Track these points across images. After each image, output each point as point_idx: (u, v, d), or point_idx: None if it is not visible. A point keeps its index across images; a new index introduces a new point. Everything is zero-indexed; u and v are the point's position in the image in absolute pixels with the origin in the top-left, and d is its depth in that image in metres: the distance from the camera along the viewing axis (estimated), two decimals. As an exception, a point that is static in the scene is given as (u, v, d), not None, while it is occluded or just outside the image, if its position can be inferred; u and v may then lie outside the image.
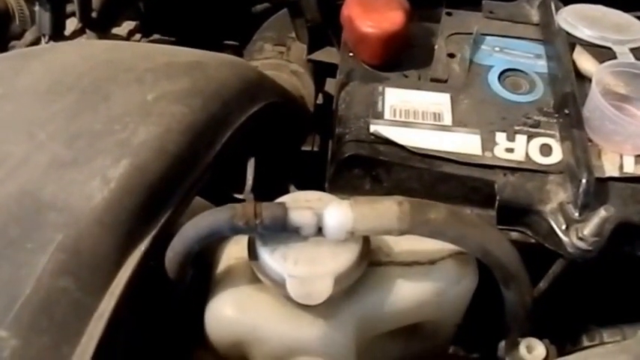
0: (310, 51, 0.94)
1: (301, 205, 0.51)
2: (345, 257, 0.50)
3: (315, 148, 0.95)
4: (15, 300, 0.43)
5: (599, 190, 0.60)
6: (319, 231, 0.50)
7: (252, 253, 0.51)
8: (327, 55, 0.94)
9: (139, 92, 0.54)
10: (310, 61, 0.95)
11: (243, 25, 1.16)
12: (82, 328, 0.44)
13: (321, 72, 0.98)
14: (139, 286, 0.48)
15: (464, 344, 0.70)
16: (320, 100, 0.99)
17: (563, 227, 0.59)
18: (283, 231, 0.49)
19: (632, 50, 0.70)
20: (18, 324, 0.42)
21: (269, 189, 0.97)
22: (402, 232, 0.50)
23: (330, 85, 1.02)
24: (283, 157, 0.84)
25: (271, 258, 0.50)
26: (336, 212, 0.49)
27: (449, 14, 0.79)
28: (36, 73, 0.56)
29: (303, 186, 0.97)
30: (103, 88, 0.54)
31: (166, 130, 0.52)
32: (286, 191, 0.99)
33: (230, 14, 1.17)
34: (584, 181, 0.59)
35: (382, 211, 0.49)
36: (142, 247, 0.48)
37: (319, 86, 0.99)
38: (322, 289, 0.49)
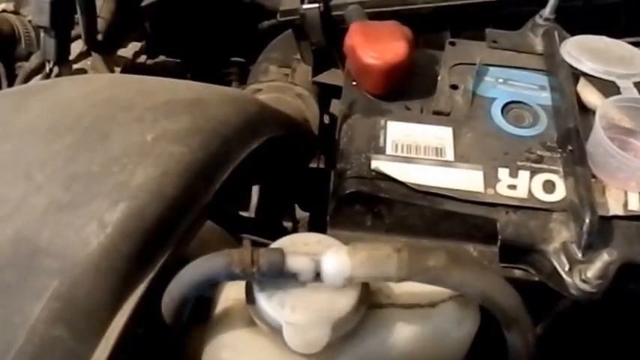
0: (315, 73, 0.94)
1: (299, 249, 0.50)
2: (343, 303, 0.49)
3: (321, 165, 0.94)
4: (8, 349, 0.42)
5: (603, 228, 0.59)
6: (317, 276, 0.49)
7: (250, 297, 0.50)
8: (332, 77, 0.93)
9: (139, 132, 0.53)
10: (315, 83, 0.95)
11: (249, 41, 1.16)
12: None
13: (326, 93, 0.97)
14: (134, 331, 0.47)
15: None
16: (326, 120, 0.99)
17: (567, 268, 0.58)
18: (280, 277, 0.48)
19: (636, 84, 0.69)
20: (11, 374, 0.42)
21: (274, 206, 0.96)
22: (400, 280, 0.49)
23: (336, 105, 1.02)
24: (289, 177, 0.83)
25: (268, 304, 0.48)
26: (334, 259, 0.48)
27: (452, 44, 0.77)
28: (35, 112, 0.55)
29: (308, 203, 0.97)
30: (103, 127, 0.53)
31: (164, 172, 0.51)
32: (291, 209, 0.99)
33: (236, 31, 1.17)
34: (587, 221, 0.58)
35: (381, 258, 0.48)
36: (139, 292, 0.47)
37: (324, 107, 0.98)
38: (320, 337, 0.48)
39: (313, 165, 0.94)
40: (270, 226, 0.94)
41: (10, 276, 0.45)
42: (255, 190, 0.93)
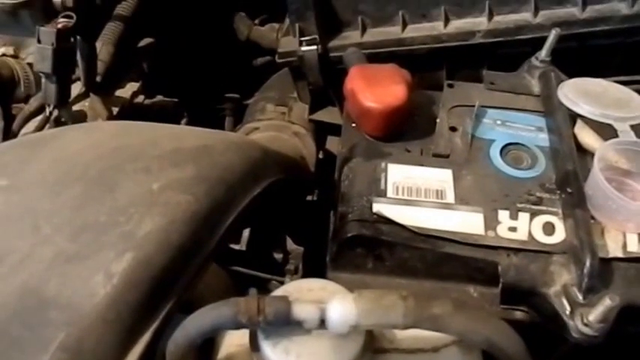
0: (312, 111, 0.96)
1: (304, 296, 0.51)
2: (348, 350, 0.50)
3: (315, 198, 0.96)
4: (16, 405, 0.43)
5: (604, 271, 0.60)
6: (322, 323, 0.50)
7: (254, 345, 0.51)
8: (328, 115, 0.96)
9: (145, 181, 0.54)
10: (312, 121, 0.97)
11: (243, 77, 1.18)
12: None
13: (322, 131, 0.99)
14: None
15: None
16: (321, 155, 1.00)
17: (568, 311, 0.59)
18: (286, 325, 0.49)
19: (633, 127, 0.70)
20: None
21: (266, 239, 0.97)
22: (406, 327, 0.50)
23: (331, 142, 1.03)
24: (283, 211, 0.84)
25: (273, 352, 0.49)
26: (340, 307, 0.49)
27: (450, 86, 0.79)
28: (43, 164, 0.56)
29: (300, 236, 0.98)
30: (110, 178, 0.55)
31: (171, 221, 0.52)
32: (282, 241, 1.00)
33: (231, 68, 1.19)
34: (587, 264, 0.59)
35: (386, 306, 0.49)
36: (143, 341, 0.48)
37: (320, 144, 1.00)
38: (326, 385, 0.49)
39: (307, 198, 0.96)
40: (261, 259, 0.95)
41: (17, 329, 0.46)
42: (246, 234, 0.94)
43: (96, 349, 0.46)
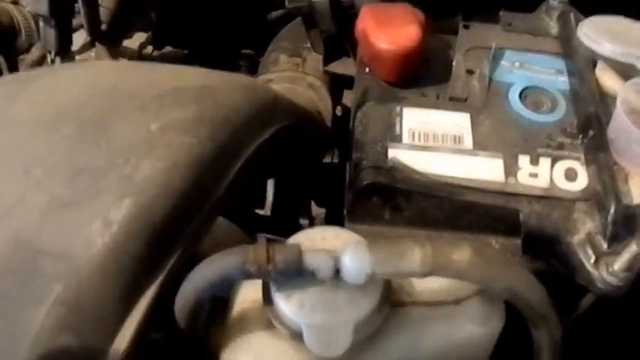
0: (326, 62, 0.88)
1: (317, 244, 0.44)
2: (365, 303, 0.44)
3: (335, 160, 0.89)
4: (11, 360, 0.37)
5: (628, 218, 0.54)
6: (337, 273, 0.44)
7: (267, 298, 0.45)
8: (343, 66, 0.88)
9: (143, 122, 0.47)
10: (327, 73, 0.89)
11: (257, 33, 1.09)
12: None
13: (338, 84, 0.91)
14: (148, 337, 0.42)
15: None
16: (338, 112, 0.93)
17: (592, 261, 0.53)
18: (298, 275, 0.43)
19: (657, 67, 0.63)
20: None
21: (290, 203, 0.91)
22: (424, 275, 0.43)
23: (348, 97, 0.96)
24: (303, 171, 0.77)
25: (287, 305, 0.43)
26: (355, 255, 0.42)
27: (466, 27, 0.71)
28: (32, 102, 0.49)
29: (323, 198, 0.92)
30: (105, 118, 0.48)
31: (172, 165, 0.45)
32: (307, 206, 0.94)
33: (244, 22, 1.10)
34: (612, 210, 0.53)
35: (403, 253, 0.43)
36: (149, 295, 0.42)
37: (337, 99, 0.93)
38: (342, 339, 0.43)
39: (327, 160, 0.89)
40: (287, 224, 0.89)
41: (10, 282, 0.40)
42: (270, 187, 0.88)
43: (96, 303, 0.40)
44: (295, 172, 0.69)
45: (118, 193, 0.43)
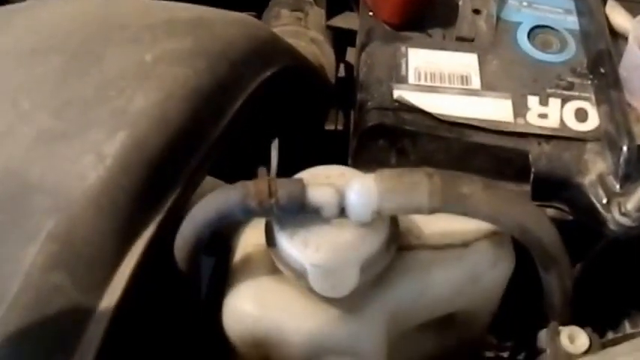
0: (329, 16, 0.85)
1: (321, 181, 0.42)
2: (371, 242, 0.42)
3: (339, 127, 0.86)
4: (0, 301, 0.35)
5: (641, 158, 0.52)
6: (342, 211, 0.41)
7: (270, 239, 0.43)
8: (346, 20, 0.84)
9: (136, 52, 0.44)
10: (329, 28, 0.86)
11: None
12: (78, 333, 0.36)
13: (341, 40, 0.88)
14: (144, 280, 0.39)
15: (497, 332, 0.63)
16: (342, 72, 0.90)
17: (604, 201, 0.52)
18: (302, 212, 0.40)
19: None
20: (5, 330, 0.34)
21: (293, 173, 0.88)
22: (433, 210, 0.41)
23: (352, 54, 0.93)
24: (307, 136, 0.75)
25: (290, 244, 0.41)
26: (360, 189, 0.40)
27: (472, -34, 0.69)
28: (18, 32, 0.46)
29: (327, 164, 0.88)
30: (95, 48, 0.44)
31: (167, 97, 0.43)
32: None
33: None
34: (625, 149, 0.51)
35: (411, 185, 0.40)
36: (147, 235, 0.40)
37: (340, 56, 0.89)
38: (348, 279, 0.41)
39: (331, 127, 0.86)
40: None
41: None
42: (274, 153, 0.85)
43: (90, 240, 0.38)
44: (299, 133, 0.66)
45: (111, 126, 0.41)
